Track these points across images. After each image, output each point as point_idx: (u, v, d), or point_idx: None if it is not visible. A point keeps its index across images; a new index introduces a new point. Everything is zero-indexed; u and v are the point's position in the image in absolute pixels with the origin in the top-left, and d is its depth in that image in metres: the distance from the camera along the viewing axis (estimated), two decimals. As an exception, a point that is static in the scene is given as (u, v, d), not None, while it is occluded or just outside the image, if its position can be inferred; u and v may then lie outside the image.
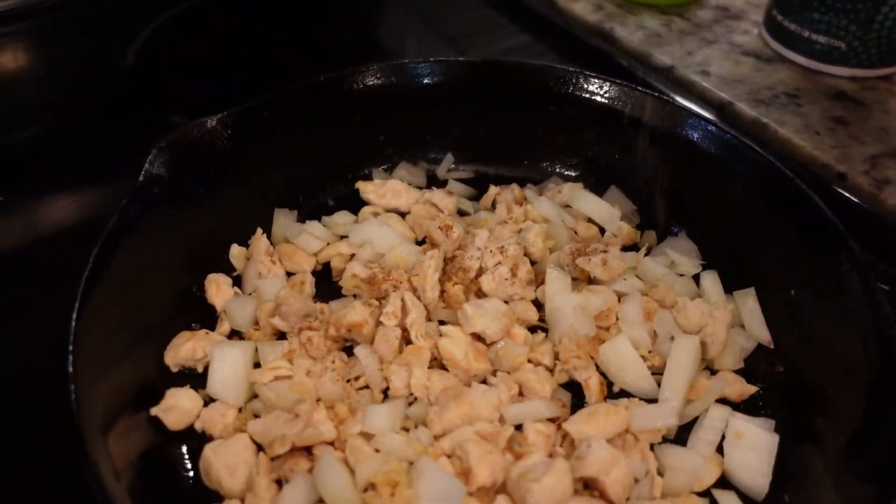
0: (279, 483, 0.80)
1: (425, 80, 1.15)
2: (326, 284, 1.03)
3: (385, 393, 0.89)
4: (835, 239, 0.89)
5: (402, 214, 1.13)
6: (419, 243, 1.08)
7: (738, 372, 0.93)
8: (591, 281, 1.01)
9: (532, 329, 0.97)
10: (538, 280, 1.01)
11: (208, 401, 0.88)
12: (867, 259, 0.86)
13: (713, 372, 0.94)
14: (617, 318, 0.97)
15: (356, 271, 0.99)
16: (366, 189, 1.14)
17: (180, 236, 0.96)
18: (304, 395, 0.86)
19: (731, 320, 0.95)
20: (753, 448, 0.83)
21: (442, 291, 0.98)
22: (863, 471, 0.73)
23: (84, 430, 0.70)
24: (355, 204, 1.14)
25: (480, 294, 0.99)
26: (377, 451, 0.81)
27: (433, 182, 1.20)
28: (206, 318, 0.97)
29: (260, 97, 1.06)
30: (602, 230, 1.10)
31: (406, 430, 0.85)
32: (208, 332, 0.93)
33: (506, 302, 0.97)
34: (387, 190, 1.14)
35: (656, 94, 1.09)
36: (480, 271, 1.00)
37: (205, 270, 1.00)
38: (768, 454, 0.83)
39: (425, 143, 1.21)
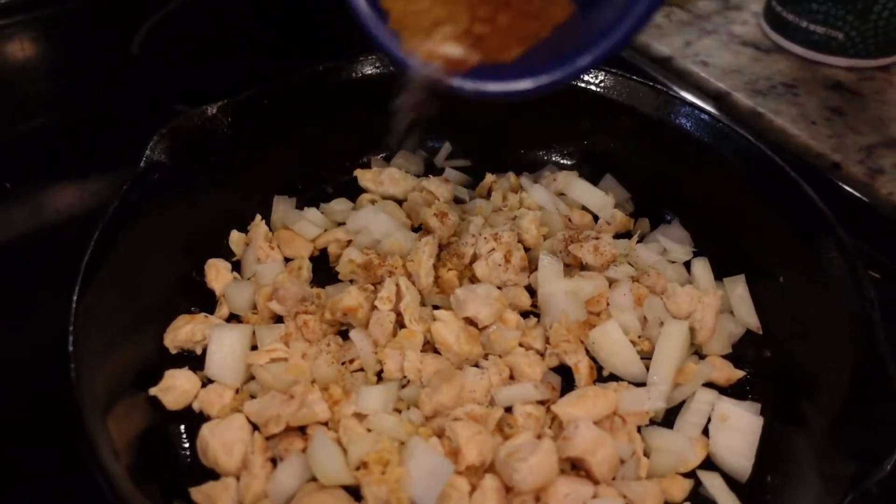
0: (274, 462, 0.82)
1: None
2: (324, 270, 1.05)
3: (379, 375, 0.91)
4: (822, 225, 0.90)
5: (400, 202, 1.15)
6: (415, 230, 1.10)
7: (726, 357, 0.95)
8: (584, 267, 1.03)
9: (525, 314, 0.99)
10: (532, 266, 1.03)
11: (206, 382, 0.90)
12: (854, 245, 0.87)
13: (702, 357, 0.95)
14: (608, 304, 0.98)
15: (353, 257, 1.01)
16: (364, 177, 1.15)
17: (181, 222, 0.98)
18: (299, 377, 0.88)
19: (720, 306, 0.97)
20: (738, 430, 0.85)
21: (437, 277, 1.00)
22: (844, 451, 0.75)
23: (84, 410, 0.72)
24: (353, 191, 1.16)
25: (474, 280, 1.01)
26: (369, 431, 0.83)
27: (430, 170, 1.21)
28: (206, 301, 0.99)
29: (260, 86, 1.08)
30: (596, 218, 1.12)
31: (399, 411, 0.87)
32: (207, 316, 0.95)
33: (499, 288, 0.99)
34: (384, 178, 1.15)
35: (650, 84, 1.11)
36: (474, 257, 1.02)
37: (205, 255, 1.02)
38: (752, 436, 0.85)
39: (423, 131, 1.22)
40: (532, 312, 1.00)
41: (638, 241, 1.07)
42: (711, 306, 0.96)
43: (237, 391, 0.89)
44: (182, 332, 0.91)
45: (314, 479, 0.79)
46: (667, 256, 1.05)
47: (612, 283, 1.00)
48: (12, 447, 0.87)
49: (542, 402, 0.88)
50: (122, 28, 1.60)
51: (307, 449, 0.81)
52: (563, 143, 1.21)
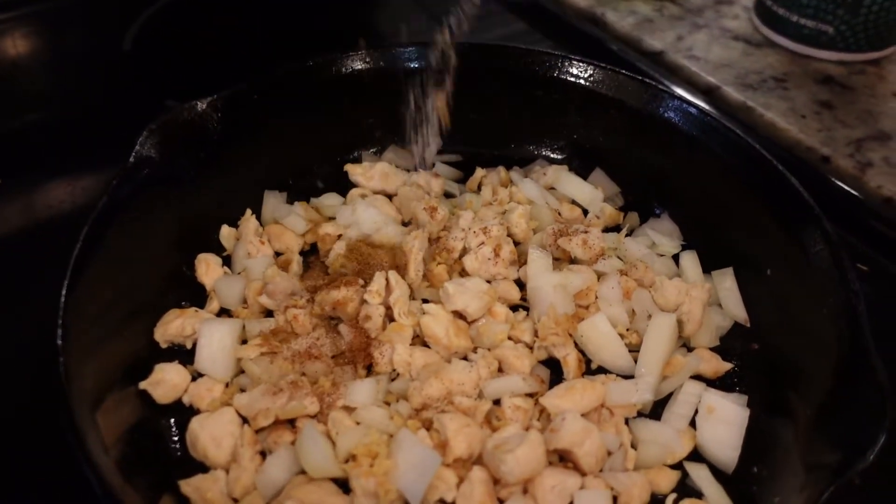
0: (263, 454, 0.83)
1: (413, 65, 1.16)
2: (314, 264, 1.05)
3: (368, 369, 0.92)
4: (809, 218, 0.90)
5: (390, 196, 1.15)
6: (405, 224, 1.10)
7: (714, 349, 0.95)
8: (573, 261, 1.03)
9: (514, 308, 1.00)
10: (521, 260, 1.03)
11: (196, 376, 0.90)
12: (840, 237, 0.88)
13: (690, 349, 0.96)
14: (596, 297, 0.98)
15: (343, 251, 1.02)
16: (354, 171, 1.16)
17: (171, 216, 0.98)
18: (288, 371, 0.88)
19: (708, 299, 0.98)
20: (724, 422, 0.85)
21: (426, 271, 1.00)
22: (828, 441, 0.75)
23: (73, 404, 0.72)
24: (344, 186, 1.16)
25: (464, 274, 1.02)
26: (358, 424, 0.83)
27: (421, 165, 1.21)
28: (196, 296, 0.99)
29: (250, 81, 1.08)
30: (586, 212, 1.12)
31: (388, 403, 0.87)
32: (197, 310, 0.96)
33: (488, 281, 1.00)
34: (375, 172, 1.15)
35: (639, 78, 1.11)
36: (464, 251, 1.02)
37: (195, 250, 1.02)
38: (739, 428, 0.85)
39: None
40: (521, 306, 1.00)
41: (627, 235, 1.07)
42: (699, 299, 0.96)
43: (227, 385, 0.90)
44: (172, 326, 0.92)
45: (303, 471, 0.79)
46: (655, 250, 1.06)
47: (600, 276, 1.00)
48: (1, 441, 0.87)
49: (530, 395, 0.88)
50: (113, 24, 1.60)
51: (296, 442, 0.81)
52: (552, 138, 1.22)
